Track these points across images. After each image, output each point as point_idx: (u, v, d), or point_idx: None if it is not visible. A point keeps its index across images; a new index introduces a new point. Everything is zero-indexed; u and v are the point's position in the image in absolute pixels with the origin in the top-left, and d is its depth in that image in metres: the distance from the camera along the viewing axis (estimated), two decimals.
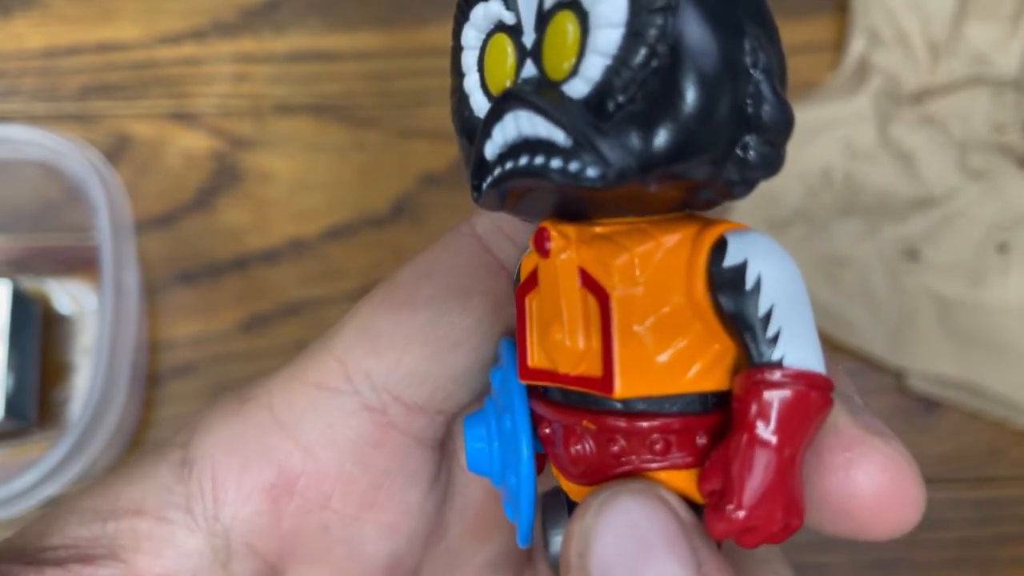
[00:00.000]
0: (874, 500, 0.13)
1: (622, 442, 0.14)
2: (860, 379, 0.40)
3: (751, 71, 0.12)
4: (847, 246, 0.40)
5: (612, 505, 0.13)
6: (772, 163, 0.13)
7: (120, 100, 0.42)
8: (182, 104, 0.42)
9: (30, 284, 0.40)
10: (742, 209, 0.40)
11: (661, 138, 0.12)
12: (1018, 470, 0.39)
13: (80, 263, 0.40)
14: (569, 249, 0.14)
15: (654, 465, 0.13)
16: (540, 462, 0.16)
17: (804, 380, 0.12)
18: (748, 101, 0.12)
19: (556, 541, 0.17)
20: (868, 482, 0.13)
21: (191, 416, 0.19)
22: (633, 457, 0.13)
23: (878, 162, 0.41)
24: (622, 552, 0.12)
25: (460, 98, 0.14)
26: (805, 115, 0.41)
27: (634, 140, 0.12)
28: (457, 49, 0.14)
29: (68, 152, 0.36)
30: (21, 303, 0.38)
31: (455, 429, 0.19)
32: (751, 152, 0.12)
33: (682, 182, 0.12)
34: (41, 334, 0.39)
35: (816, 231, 0.40)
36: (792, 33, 0.43)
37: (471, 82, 0.14)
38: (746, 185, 0.13)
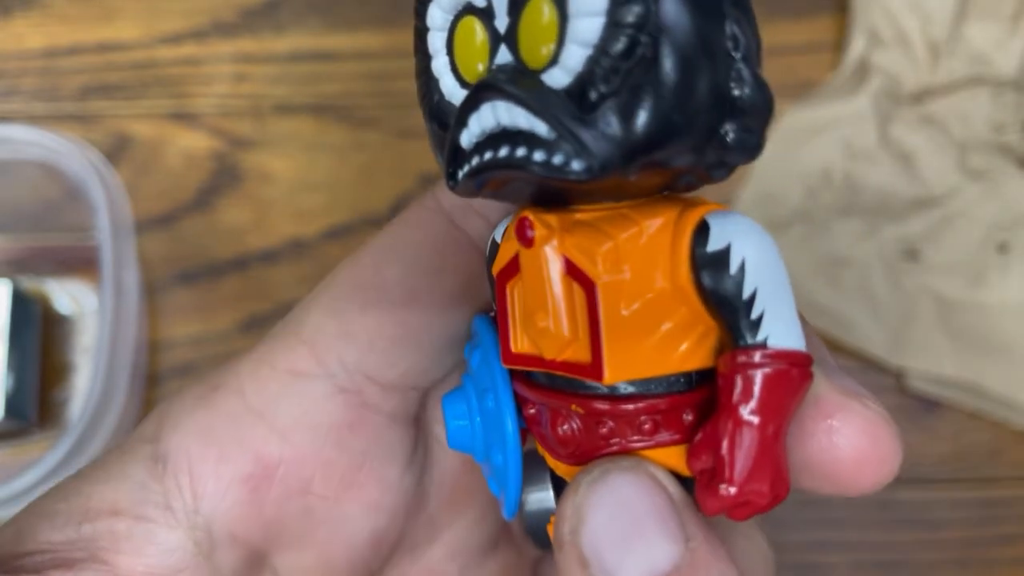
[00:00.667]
0: (855, 461, 0.14)
1: (610, 424, 0.14)
2: (860, 379, 0.39)
3: (732, 54, 0.12)
4: (847, 246, 0.40)
5: (602, 483, 0.13)
6: (752, 147, 0.12)
7: (120, 100, 0.42)
8: (182, 104, 0.42)
9: (30, 284, 0.40)
10: (742, 210, 0.40)
11: (645, 128, 0.12)
12: (1018, 470, 0.39)
13: (80, 263, 0.40)
14: (553, 239, 0.13)
15: (642, 444, 0.14)
16: (522, 435, 0.16)
17: (786, 359, 0.13)
18: (730, 85, 0.12)
19: (531, 499, 0.17)
20: (849, 445, 0.13)
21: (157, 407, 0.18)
22: (621, 438, 0.14)
23: (878, 162, 0.41)
24: (613, 529, 0.13)
25: (428, 81, 0.14)
26: (805, 115, 0.41)
27: (618, 131, 0.12)
28: (422, 29, 0.14)
29: (68, 152, 0.36)
30: (21, 303, 0.38)
31: (429, 402, 0.19)
32: (731, 136, 0.12)
33: (665, 170, 0.12)
34: (41, 334, 0.39)
35: (816, 231, 0.40)
36: (792, 33, 0.43)
37: (439, 65, 0.14)
38: (725, 168, 0.13)
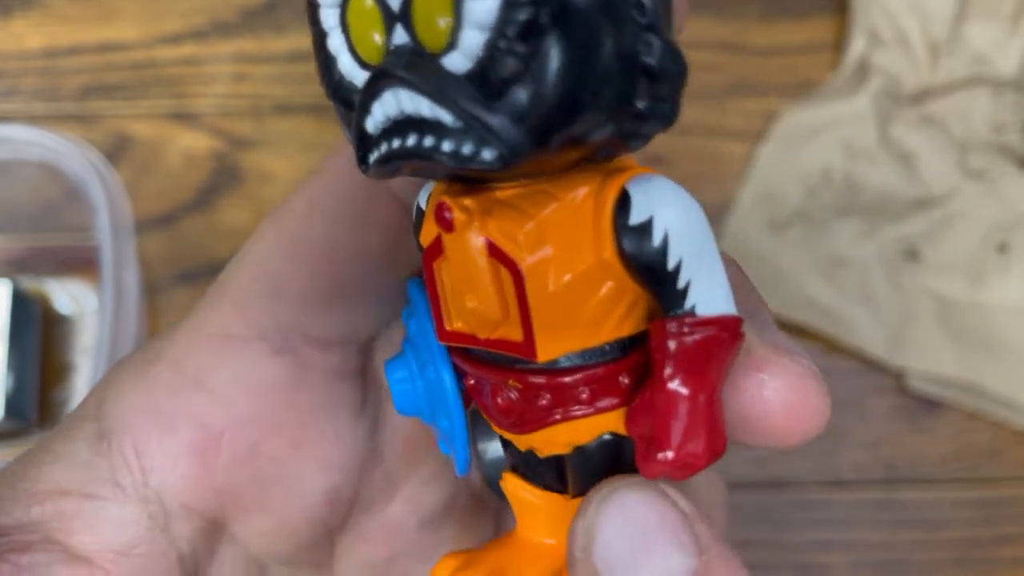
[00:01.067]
0: (785, 414, 0.14)
1: (548, 396, 0.14)
2: (860, 379, 0.40)
3: (638, 21, 0.11)
4: (847, 246, 0.40)
5: (611, 501, 0.13)
6: (667, 115, 0.12)
7: (120, 100, 0.42)
8: (182, 104, 0.42)
9: (30, 284, 0.40)
10: (742, 210, 0.40)
11: (553, 108, 0.11)
12: (1018, 470, 0.39)
13: (80, 263, 0.40)
14: (473, 222, 0.13)
15: (583, 412, 0.14)
16: (466, 398, 0.16)
17: (715, 324, 0.13)
18: (638, 53, 0.12)
19: (490, 449, 0.18)
20: (778, 399, 0.14)
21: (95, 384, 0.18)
22: (562, 408, 0.14)
23: (878, 162, 0.41)
24: (624, 545, 0.13)
25: (325, 59, 0.13)
26: (805, 115, 0.41)
27: (526, 115, 0.11)
28: (313, 4, 0.13)
29: (68, 152, 0.36)
30: (21, 303, 0.38)
31: (377, 356, 0.19)
32: (645, 105, 0.12)
33: (581, 145, 0.12)
34: (41, 334, 0.39)
35: (816, 231, 0.40)
36: (792, 33, 0.43)
37: (336, 43, 0.13)
38: (642, 138, 0.13)
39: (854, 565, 0.38)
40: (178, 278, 0.40)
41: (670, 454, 0.13)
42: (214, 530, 0.18)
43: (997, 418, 0.39)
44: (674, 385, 0.13)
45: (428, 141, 0.12)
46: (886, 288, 0.39)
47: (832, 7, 0.43)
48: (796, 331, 0.40)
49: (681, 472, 0.13)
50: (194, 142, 0.42)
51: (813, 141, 0.41)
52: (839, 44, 0.43)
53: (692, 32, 0.42)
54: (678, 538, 0.13)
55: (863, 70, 0.41)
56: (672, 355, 0.13)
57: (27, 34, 0.43)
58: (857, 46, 0.42)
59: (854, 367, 0.39)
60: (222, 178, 0.41)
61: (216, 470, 0.17)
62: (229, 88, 0.42)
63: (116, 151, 0.41)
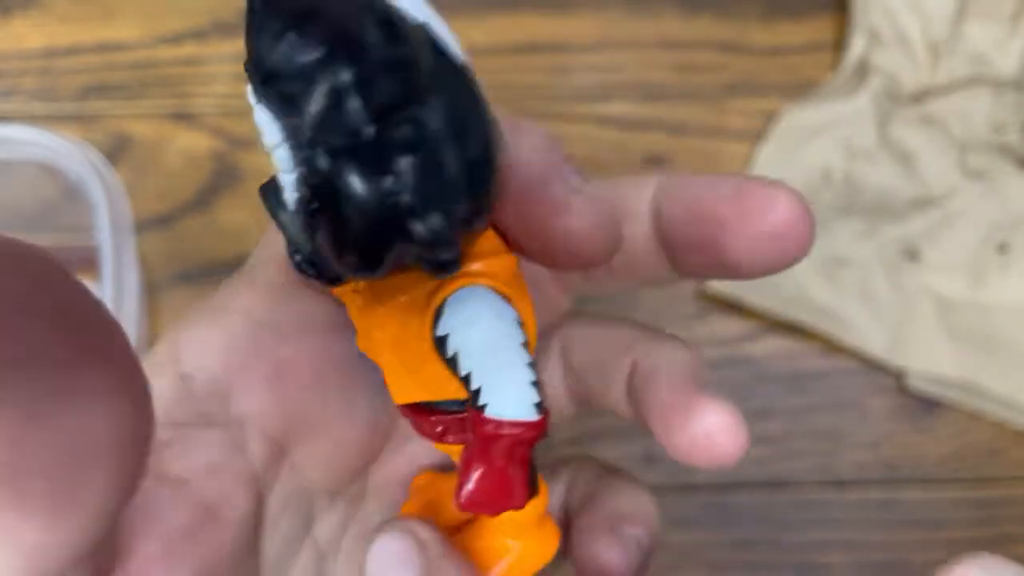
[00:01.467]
0: (589, 236, 0.17)
1: (414, 425, 0.18)
2: (860, 379, 0.40)
3: (406, 202, 0.13)
4: (847, 246, 0.40)
5: (376, 539, 0.18)
6: (449, 268, 0.14)
7: (120, 100, 0.42)
8: (182, 104, 0.42)
9: None
10: None
11: (339, 261, 0.14)
12: (1018, 470, 0.39)
13: (80, 263, 0.40)
14: (343, 299, 0.18)
15: (439, 440, 0.18)
16: None
17: (501, 426, 0.16)
18: (407, 230, 0.13)
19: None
20: (580, 226, 0.17)
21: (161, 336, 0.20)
22: (428, 434, 0.18)
23: (878, 162, 0.41)
24: (375, 568, 0.18)
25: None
26: (805, 115, 0.41)
27: (327, 256, 0.14)
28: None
29: (67, 152, 0.36)
30: None
31: None
32: (425, 260, 0.14)
33: (389, 270, 0.14)
34: None
35: (816, 231, 0.40)
36: (792, 33, 0.43)
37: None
38: (446, 274, 0.15)
39: (854, 565, 0.38)
40: (178, 278, 0.40)
41: (463, 500, 0.17)
42: (280, 454, 0.20)
43: (997, 418, 0.39)
44: (468, 460, 0.16)
45: (290, 249, 0.15)
46: (886, 288, 0.39)
47: (832, 7, 0.43)
48: (796, 331, 0.40)
49: (481, 512, 0.17)
50: (194, 142, 0.41)
51: (813, 141, 0.41)
52: (839, 44, 0.43)
53: (692, 32, 0.42)
54: (409, 560, 0.17)
55: (863, 70, 0.41)
56: (471, 438, 0.16)
57: (27, 34, 0.43)
58: (857, 46, 0.42)
59: (854, 367, 0.39)
60: (222, 178, 0.41)
61: (288, 398, 0.19)
62: (229, 88, 0.42)
63: (116, 151, 0.41)
